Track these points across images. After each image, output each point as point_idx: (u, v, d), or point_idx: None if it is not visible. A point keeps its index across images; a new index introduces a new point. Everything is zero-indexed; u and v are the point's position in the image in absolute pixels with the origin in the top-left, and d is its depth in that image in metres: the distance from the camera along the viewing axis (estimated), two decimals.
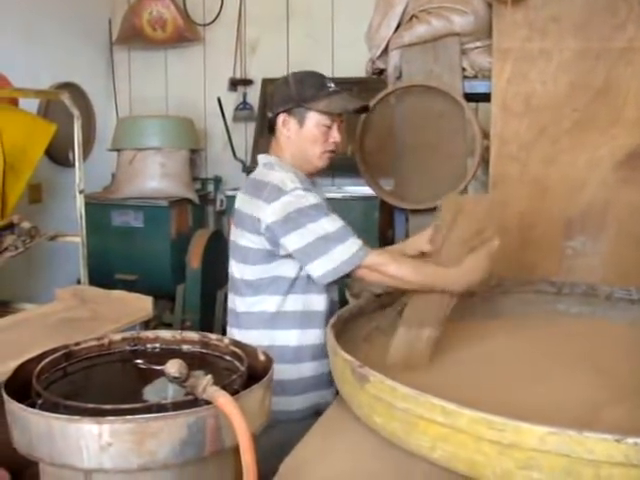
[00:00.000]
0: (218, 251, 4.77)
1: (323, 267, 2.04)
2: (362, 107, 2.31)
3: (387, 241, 3.83)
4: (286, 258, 2.13)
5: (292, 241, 2.06)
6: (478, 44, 2.86)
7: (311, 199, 2.07)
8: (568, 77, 2.75)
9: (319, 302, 2.23)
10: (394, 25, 2.93)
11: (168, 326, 4.60)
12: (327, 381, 2.21)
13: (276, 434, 1.89)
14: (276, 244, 2.10)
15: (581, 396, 1.70)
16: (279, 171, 2.16)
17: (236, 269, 2.24)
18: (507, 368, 1.91)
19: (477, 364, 1.94)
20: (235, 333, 2.25)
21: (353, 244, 2.03)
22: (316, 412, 2.24)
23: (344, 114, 2.28)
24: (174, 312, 4.75)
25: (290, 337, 2.20)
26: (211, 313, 4.87)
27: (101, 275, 3.90)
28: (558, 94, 2.76)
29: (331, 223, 2.05)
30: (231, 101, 5.24)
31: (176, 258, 4.73)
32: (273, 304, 2.18)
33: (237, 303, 2.27)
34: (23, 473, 2.09)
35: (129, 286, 3.27)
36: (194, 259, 4.69)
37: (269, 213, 2.07)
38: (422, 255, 2.21)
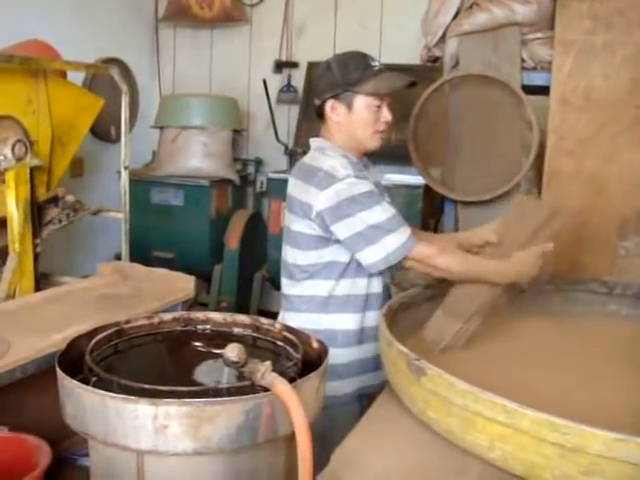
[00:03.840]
0: (257, 233, 4.77)
1: (373, 256, 2.03)
2: (410, 83, 2.22)
3: (430, 231, 3.78)
4: (340, 243, 2.10)
5: (342, 229, 2.04)
6: (539, 35, 2.79)
7: (363, 187, 2.04)
8: (631, 72, 2.67)
9: (368, 285, 2.20)
10: (453, 12, 2.87)
11: (204, 306, 4.62)
12: (373, 365, 2.19)
13: (322, 419, 1.86)
14: (328, 230, 2.08)
15: (628, 401, 1.66)
16: (331, 156, 2.12)
17: (290, 254, 2.22)
18: (550, 368, 1.86)
19: (519, 361, 1.91)
20: (286, 316, 2.24)
21: (403, 234, 2.02)
22: (359, 395, 2.23)
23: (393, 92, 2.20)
24: (210, 292, 4.76)
25: (340, 321, 2.18)
26: (247, 295, 4.87)
27: (139, 252, 3.90)
28: (620, 89, 2.69)
29: (382, 212, 2.03)
30: (276, 83, 5.20)
31: (214, 238, 4.74)
32: (325, 288, 2.17)
33: (289, 286, 2.26)
34: (59, 444, 2.09)
35: (166, 264, 3.22)
36: (232, 240, 4.69)
37: (321, 200, 2.04)
38: (487, 245, 2.23)
